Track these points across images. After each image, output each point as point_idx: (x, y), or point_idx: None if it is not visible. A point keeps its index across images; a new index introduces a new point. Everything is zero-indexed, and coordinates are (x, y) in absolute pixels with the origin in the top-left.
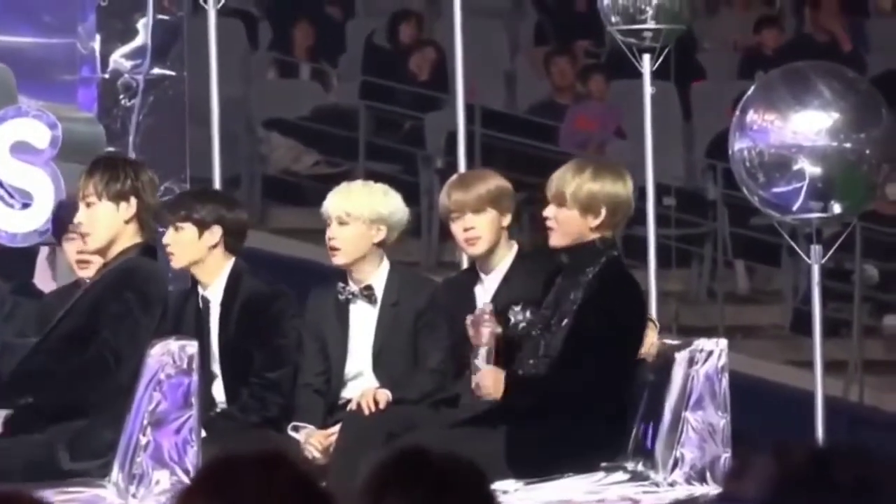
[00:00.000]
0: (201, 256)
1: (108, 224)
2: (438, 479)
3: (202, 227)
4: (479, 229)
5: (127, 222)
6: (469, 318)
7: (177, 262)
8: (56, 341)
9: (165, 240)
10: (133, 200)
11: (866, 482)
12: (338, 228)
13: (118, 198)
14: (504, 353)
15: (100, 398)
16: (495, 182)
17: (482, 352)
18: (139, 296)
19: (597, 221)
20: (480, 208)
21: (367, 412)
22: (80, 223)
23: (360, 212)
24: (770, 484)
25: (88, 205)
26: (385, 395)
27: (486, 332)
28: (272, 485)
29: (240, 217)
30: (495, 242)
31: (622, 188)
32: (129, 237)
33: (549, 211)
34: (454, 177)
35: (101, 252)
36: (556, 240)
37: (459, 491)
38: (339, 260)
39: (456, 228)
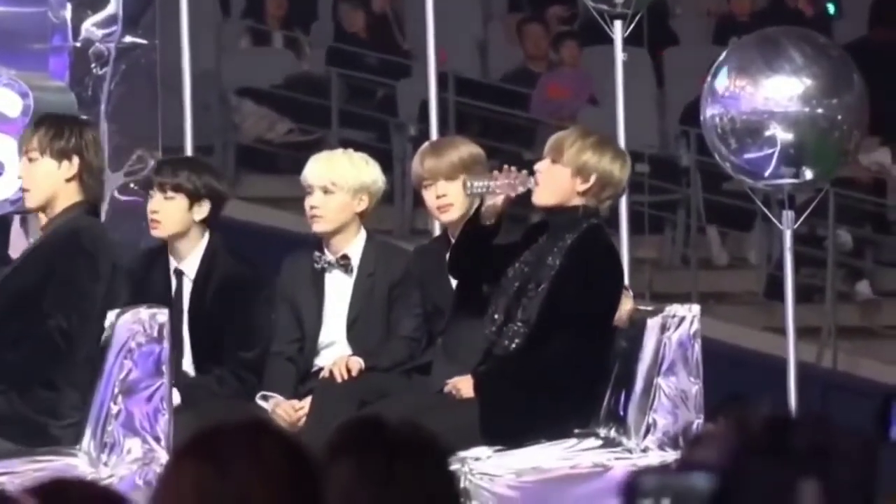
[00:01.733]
0: (186, 229)
1: (48, 181)
2: (392, 446)
3: (194, 198)
4: (451, 196)
5: (68, 181)
6: (506, 167)
7: (161, 231)
8: (4, 299)
9: (152, 206)
10: (76, 159)
11: (823, 448)
12: (322, 197)
13: (61, 155)
14: (479, 232)
15: (58, 373)
16: (467, 149)
17: (488, 181)
18: (88, 259)
19: (584, 186)
20: (453, 175)
21: (339, 380)
22: (20, 177)
23: (345, 181)
24: (727, 451)
25: (31, 160)
26: (357, 363)
27: (506, 182)
28: (261, 450)
29: (227, 191)
30: (468, 209)
31: (618, 169)
32: (70, 196)
33: (542, 165)
34: (426, 144)
35: (41, 209)
36: (541, 197)
37: (413, 458)
38: (320, 227)
39: (428, 196)
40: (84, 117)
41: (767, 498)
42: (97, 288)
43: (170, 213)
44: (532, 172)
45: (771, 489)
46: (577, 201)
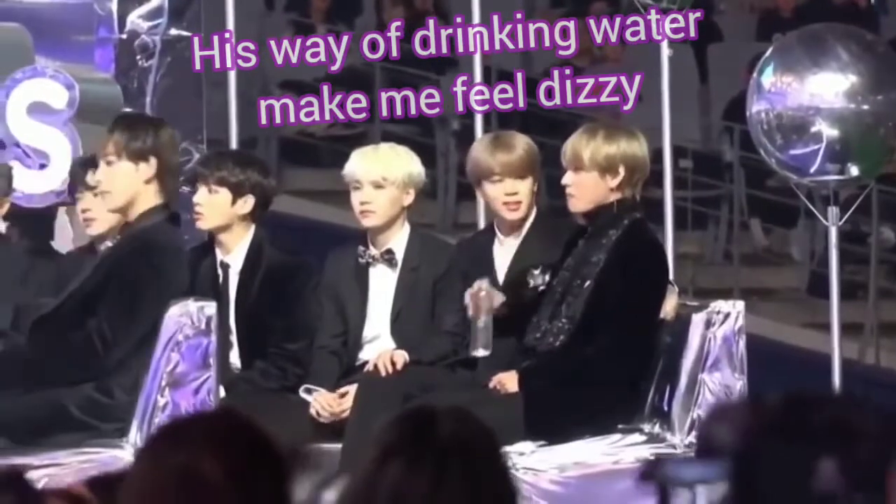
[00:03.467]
0: (230, 222)
1: (126, 183)
2: (443, 444)
3: (238, 193)
4: (522, 194)
5: (147, 182)
6: (468, 293)
7: (204, 224)
8: (73, 306)
9: (197, 199)
10: (153, 160)
11: (842, 426)
12: (373, 192)
13: (138, 157)
14: (508, 323)
15: (96, 374)
16: (531, 146)
17: (480, 329)
18: (152, 276)
19: (616, 181)
20: (524, 174)
21: (383, 373)
22: (98, 181)
23: (396, 175)
24: (744, 430)
25: (108, 163)
26: (402, 356)
27: (484, 307)
28: (223, 437)
29: (272, 186)
30: (530, 207)
31: (638, 147)
32: (150, 198)
33: (568, 178)
34: (489, 137)
35: (121, 211)
36: (577, 205)
37: (464, 458)
38: (372, 222)
39: (496, 191)
40: (129, 110)
41: (786, 477)
42: (152, 303)
43: (214, 206)
44: (563, 194)
45: (789, 468)
46: (613, 197)
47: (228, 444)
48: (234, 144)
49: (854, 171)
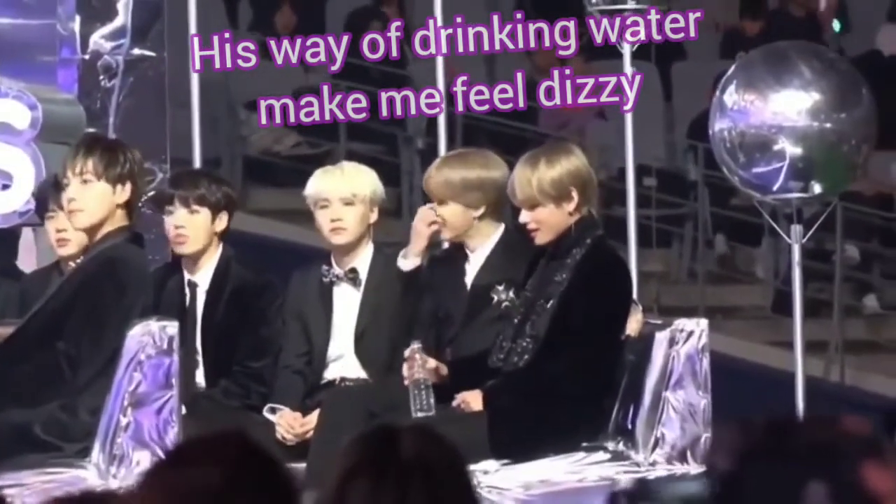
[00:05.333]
0: (209, 242)
1: (102, 204)
2: (406, 465)
3: (215, 211)
4: (443, 218)
5: (119, 206)
6: (406, 353)
7: (188, 248)
8: (39, 326)
9: (178, 221)
10: (129, 185)
11: (826, 448)
12: (343, 209)
13: (117, 180)
14: (449, 382)
15: (64, 394)
16: (463, 173)
17: (418, 393)
18: (117, 292)
19: (572, 205)
20: (444, 199)
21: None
22: (72, 199)
23: (364, 192)
24: (732, 454)
25: (85, 181)
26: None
27: (418, 371)
28: (234, 460)
29: (236, 202)
30: (462, 230)
31: (579, 162)
32: (117, 220)
33: (525, 216)
34: (437, 160)
35: (89, 232)
36: (543, 238)
37: (431, 474)
38: (343, 239)
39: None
40: (115, 138)
41: (773, 501)
42: (118, 321)
43: (197, 226)
44: (525, 230)
45: (776, 492)
46: (572, 219)
47: (228, 452)
48: (197, 164)
49: (817, 188)
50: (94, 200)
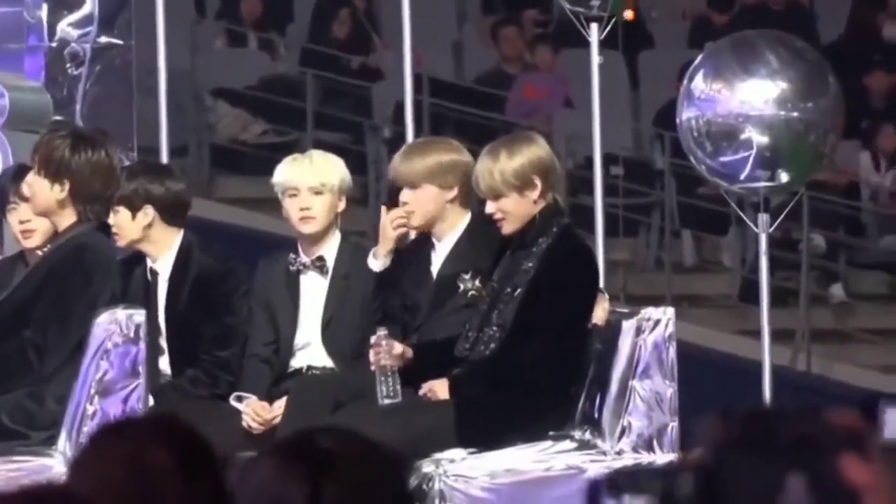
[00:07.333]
0: (140, 236)
1: (46, 199)
2: (323, 450)
3: (133, 208)
4: (413, 204)
5: (60, 203)
6: (370, 351)
7: (121, 242)
8: (4, 315)
9: (109, 220)
10: (67, 183)
11: (806, 440)
12: (312, 198)
13: (54, 177)
14: (417, 367)
15: (30, 383)
16: (439, 157)
17: (384, 380)
18: (83, 279)
19: (535, 193)
20: (417, 183)
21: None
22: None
23: (333, 182)
24: (713, 448)
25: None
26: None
27: (384, 358)
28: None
29: (172, 190)
30: (434, 216)
31: (541, 150)
32: (66, 218)
33: (490, 207)
34: (404, 147)
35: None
36: (508, 227)
37: (346, 465)
38: (312, 228)
39: (401, 199)
40: (59, 118)
41: (753, 494)
42: (84, 309)
43: (119, 225)
44: (492, 220)
45: (756, 485)
46: (539, 206)
47: (174, 434)
48: (164, 152)
49: (784, 177)
50: (41, 194)
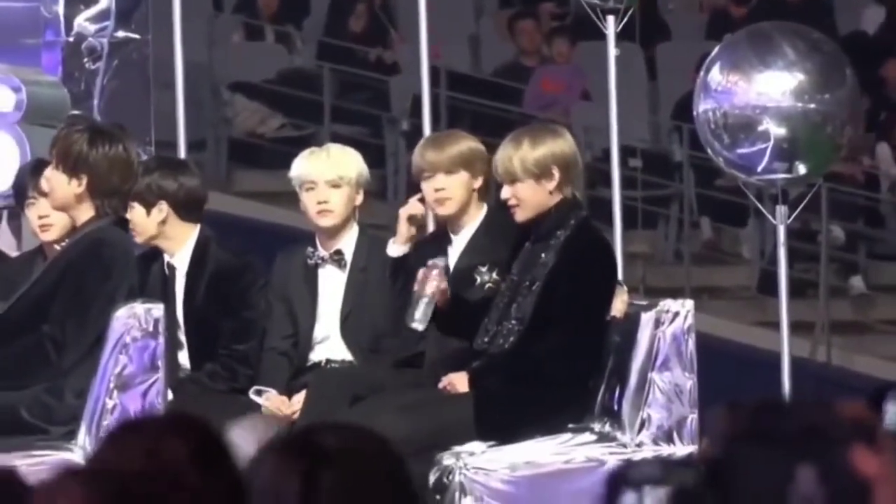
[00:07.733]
0: (156, 232)
1: (65, 194)
2: (324, 446)
3: (147, 204)
4: (450, 190)
5: (78, 197)
6: (421, 270)
7: (138, 238)
8: (23, 309)
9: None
10: (84, 177)
11: (817, 431)
12: (329, 191)
13: (71, 172)
14: (448, 314)
15: (49, 378)
16: (468, 144)
17: (422, 304)
18: (102, 273)
19: (553, 184)
20: (452, 169)
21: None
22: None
23: (351, 175)
24: (721, 438)
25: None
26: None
27: (432, 285)
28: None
29: (186, 185)
30: (466, 204)
31: (565, 145)
32: (84, 212)
33: (506, 191)
34: (428, 137)
35: (72, 215)
36: (521, 215)
37: (347, 460)
38: (330, 221)
39: (427, 188)
40: (77, 112)
41: (764, 485)
42: (103, 304)
43: (135, 222)
44: (506, 206)
45: (767, 476)
46: (554, 199)
47: (191, 429)
48: (182, 146)
49: (802, 169)
50: (59, 188)
